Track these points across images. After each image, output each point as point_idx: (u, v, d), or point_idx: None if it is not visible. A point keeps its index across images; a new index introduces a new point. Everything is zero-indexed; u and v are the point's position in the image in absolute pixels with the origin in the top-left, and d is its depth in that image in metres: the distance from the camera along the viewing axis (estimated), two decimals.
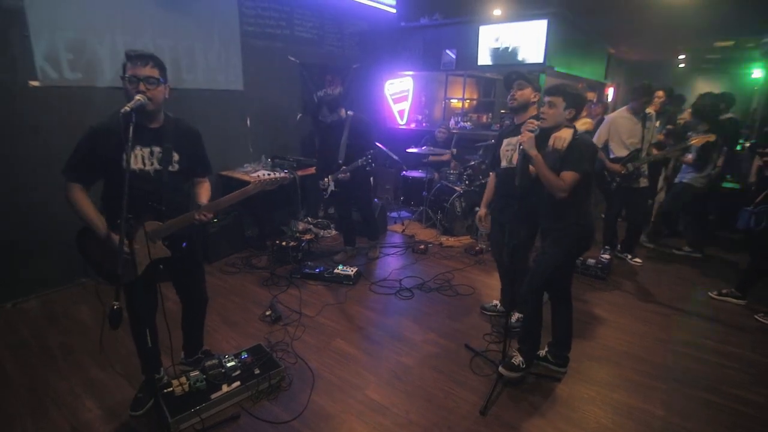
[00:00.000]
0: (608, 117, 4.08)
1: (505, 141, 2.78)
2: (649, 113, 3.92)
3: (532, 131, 2.20)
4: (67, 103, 3.40)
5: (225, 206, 2.10)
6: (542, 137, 2.30)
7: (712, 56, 11.09)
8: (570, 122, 2.26)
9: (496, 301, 3.28)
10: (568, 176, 2.18)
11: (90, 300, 3.40)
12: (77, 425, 2.12)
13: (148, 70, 1.81)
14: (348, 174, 3.81)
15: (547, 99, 2.27)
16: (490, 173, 3.08)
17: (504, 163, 2.78)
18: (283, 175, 2.20)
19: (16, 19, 3.11)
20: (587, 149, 2.23)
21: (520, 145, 2.24)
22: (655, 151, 3.96)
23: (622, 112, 3.98)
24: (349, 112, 3.92)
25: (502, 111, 6.42)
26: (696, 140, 4.05)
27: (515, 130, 2.66)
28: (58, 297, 3.47)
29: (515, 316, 3.01)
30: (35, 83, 3.26)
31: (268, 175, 2.13)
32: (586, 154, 2.21)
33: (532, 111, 2.66)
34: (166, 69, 1.91)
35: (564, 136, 2.22)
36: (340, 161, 3.87)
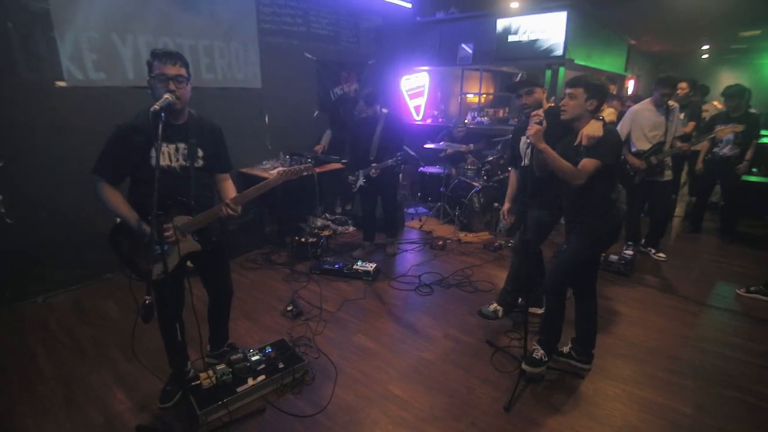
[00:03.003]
0: (631, 109, 3.99)
1: (524, 138, 2.72)
2: (672, 106, 3.82)
3: (538, 123, 2.17)
4: (92, 103, 3.48)
5: (251, 198, 2.12)
6: (560, 127, 2.28)
7: (737, 46, 10.74)
8: (593, 113, 2.20)
9: (495, 305, 3.14)
10: (587, 163, 2.13)
11: (117, 295, 3.49)
12: (109, 417, 2.18)
13: (177, 69, 1.84)
14: (378, 171, 3.86)
15: (567, 91, 2.22)
16: (510, 168, 3.06)
17: (526, 161, 2.72)
18: (305, 165, 2.22)
19: (42, 21, 3.20)
20: (610, 138, 2.15)
21: (527, 138, 2.22)
22: (679, 144, 3.87)
23: (645, 104, 3.89)
24: (383, 110, 4.00)
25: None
26: (720, 130, 3.96)
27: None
28: (87, 292, 3.57)
29: (536, 310, 3.00)
30: (62, 84, 3.34)
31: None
32: (608, 143, 2.14)
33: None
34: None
35: (594, 132, 2.12)
36: (371, 158, 3.93)
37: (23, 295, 3.36)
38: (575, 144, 2.19)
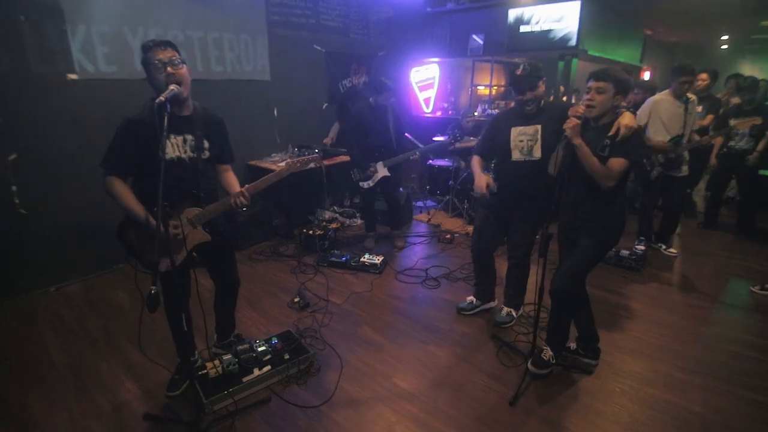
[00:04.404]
0: (650, 99, 3.87)
1: (518, 130, 2.59)
2: (691, 98, 3.71)
3: (578, 118, 2.08)
4: (103, 96, 3.50)
5: (260, 189, 2.13)
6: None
7: (758, 36, 10.42)
8: (617, 108, 2.14)
9: (471, 298, 3.13)
10: (618, 164, 2.06)
11: (127, 285, 3.55)
12: (118, 405, 2.23)
13: (169, 53, 1.86)
14: (418, 155, 4.05)
15: (594, 85, 2.10)
16: (475, 157, 2.78)
17: (517, 155, 2.60)
18: (313, 155, 2.22)
19: (53, 13, 3.21)
20: (639, 136, 2.10)
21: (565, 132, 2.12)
22: (697, 138, 3.77)
23: (665, 95, 3.76)
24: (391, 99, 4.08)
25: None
26: (738, 123, 3.85)
27: (528, 119, 2.55)
28: (99, 282, 3.63)
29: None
30: (74, 76, 3.37)
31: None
32: (638, 142, 2.08)
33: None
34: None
35: (631, 123, 2.05)
36: (395, 146, 4.00)
37: (37, 285, 3.43)
38: (610, 134, 2.09)
